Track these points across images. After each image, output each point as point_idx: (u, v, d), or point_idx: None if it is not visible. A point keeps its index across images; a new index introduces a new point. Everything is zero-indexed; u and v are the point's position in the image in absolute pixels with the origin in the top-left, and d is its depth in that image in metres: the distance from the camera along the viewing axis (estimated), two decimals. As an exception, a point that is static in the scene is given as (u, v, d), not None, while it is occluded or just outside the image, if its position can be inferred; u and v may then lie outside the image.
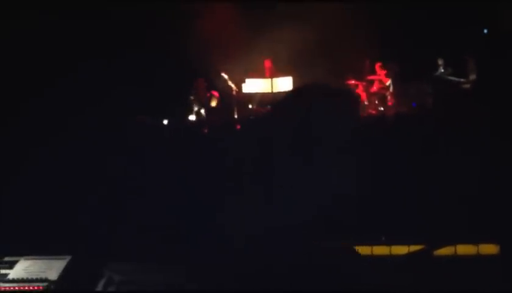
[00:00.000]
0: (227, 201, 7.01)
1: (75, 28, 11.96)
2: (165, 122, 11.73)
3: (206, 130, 10.11)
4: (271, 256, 5.73)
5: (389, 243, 5.78)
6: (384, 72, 13.29)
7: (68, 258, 4.41)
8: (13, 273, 4.19)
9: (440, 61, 13.12)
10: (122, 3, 12.25)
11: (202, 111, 12.83)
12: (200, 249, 6.31)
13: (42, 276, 4.14)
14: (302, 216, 6.60)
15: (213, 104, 12.85)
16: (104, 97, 11.15)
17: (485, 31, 13.18)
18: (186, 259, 6.08)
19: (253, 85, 13.49)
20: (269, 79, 13.46)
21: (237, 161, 7.37)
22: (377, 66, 13.35)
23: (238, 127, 10.11)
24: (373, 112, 12.89)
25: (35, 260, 4.32)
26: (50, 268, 4.20)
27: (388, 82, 13.10)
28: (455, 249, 5.53)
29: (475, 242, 5.64)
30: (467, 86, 12.83)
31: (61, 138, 7.83)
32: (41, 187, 6.89)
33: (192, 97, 12.77)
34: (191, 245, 6.52)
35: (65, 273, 4.25)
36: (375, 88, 13.29)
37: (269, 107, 13.41)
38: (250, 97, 13.56)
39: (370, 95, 13.39)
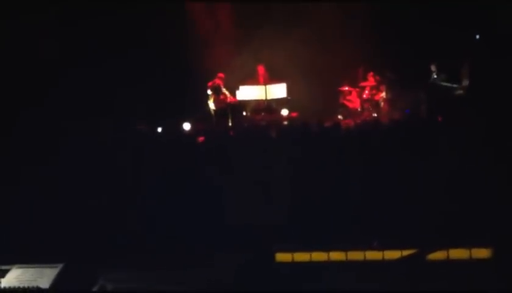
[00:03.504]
0: (221, 212, 6.99)
1: (76, 34, 11.97)
2: (159, 129, 11.70)
3: (202, 138, 10.09)
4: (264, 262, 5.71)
5: (381, 248, 5.80)
6: (378, 79, 13.32)
7: (60, 266, 4.40)
8: (4, 282, 4.17)
9: (433, 68, 13.15)
10: (114, 15, 12.25)
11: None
12: (195, 257, 6.30)
13: (34, 284, 4.12)
14: (295, 221, 6.57)
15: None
16: (102, 106, 11.14)
17: (477, 37, 13.22)
18: (180, 267, 6.07)
19: (247, 92, 13.49)
20: (263, 86, 13.45)
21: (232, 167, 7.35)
22: (370, 75, 13.39)
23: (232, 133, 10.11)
24: (367, 118, 12.90)
25: (27, 269, 4.30)
26: (42, 277, 4.18)
27: (383, 94, 13.14)
28: (448, 254, 5.55)
29: (468, 246, 5.66)
30: (461, 92, 12.86)
31: (55, 147, 7.80)
32: (34, 196, 6.86)
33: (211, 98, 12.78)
34: (185, 254, 6.51)
35: (57, 282, 4.24)
36: (366, 94, 13.31)
37: (263, 113, 13.44)
38: (245, 104, 13.56)
39: (363, 101, 13.41)
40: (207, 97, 13.08)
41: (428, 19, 12.77)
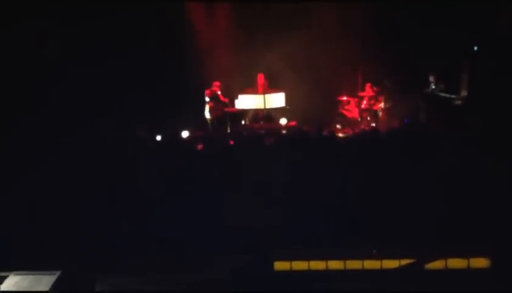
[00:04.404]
0: (220, 215, 6.97)
1: (77, 37, 11.99)
2: (158, 137, 11.71)
3: (200, 146, 10.11)
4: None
5: (380, 257, 5.79)
6: (376, 89, 13.34)
7: (58, 273, 4.39)
8: (2, 288, 4.17)
9: (431, 78, 13.18)
10: (111, 26, 12.27)
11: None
12: (193, 260, 6.29)
13: (32, 291, 4.12)
14: (294, 228, 6.56)
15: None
16: (102, 109, 11.14)
17: (475, 48, 13.26)
18: (179, 270, 6.06)
19: (246, 101, 13.52)
20: (262, 95, 13.48)
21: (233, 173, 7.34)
22: (368, 85, 13.42)
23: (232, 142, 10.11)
24: (366, 127, 12.91)
25: (24, 276, 4.30)
26: (40, 284, 4.17)
27: (381, 104, 13.18)
28: (446, 263, 5.55)
29: (466, 255, 5.65)
30: (459, 102, 12.89)
31: (54, 150, 7.78)
32: (31, 203, 6.84)
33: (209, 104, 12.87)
34: (184, 259, 6.50)
35: (55, 288, 4.23)
36: (365, 104, 13.33)
37: (262, 122, 13.47)
38: (244, 112, 13.58)
39: (361, 111, 13.44)
40: (205, 105, 13.14)
41: (427, 28, 12.82)
